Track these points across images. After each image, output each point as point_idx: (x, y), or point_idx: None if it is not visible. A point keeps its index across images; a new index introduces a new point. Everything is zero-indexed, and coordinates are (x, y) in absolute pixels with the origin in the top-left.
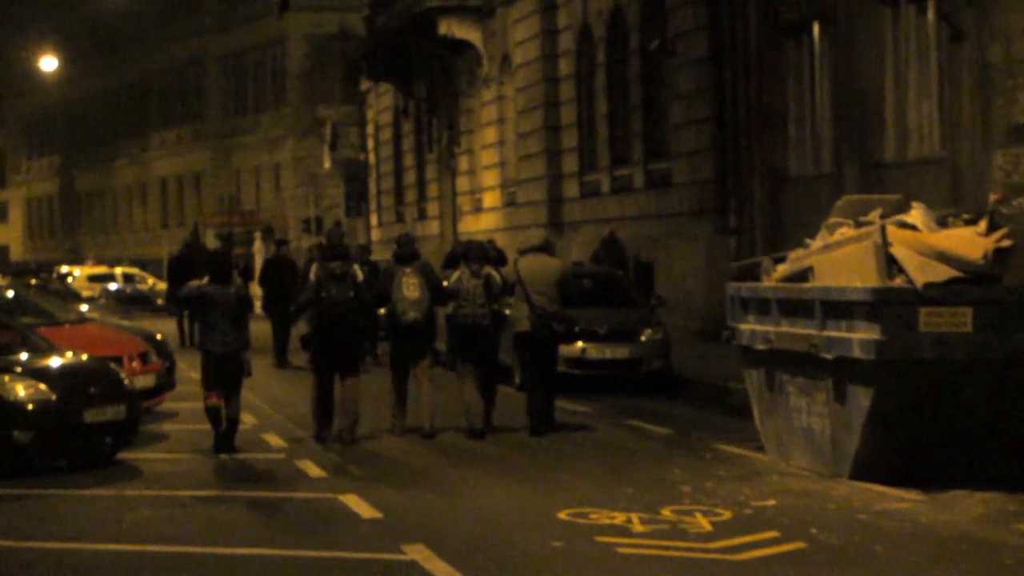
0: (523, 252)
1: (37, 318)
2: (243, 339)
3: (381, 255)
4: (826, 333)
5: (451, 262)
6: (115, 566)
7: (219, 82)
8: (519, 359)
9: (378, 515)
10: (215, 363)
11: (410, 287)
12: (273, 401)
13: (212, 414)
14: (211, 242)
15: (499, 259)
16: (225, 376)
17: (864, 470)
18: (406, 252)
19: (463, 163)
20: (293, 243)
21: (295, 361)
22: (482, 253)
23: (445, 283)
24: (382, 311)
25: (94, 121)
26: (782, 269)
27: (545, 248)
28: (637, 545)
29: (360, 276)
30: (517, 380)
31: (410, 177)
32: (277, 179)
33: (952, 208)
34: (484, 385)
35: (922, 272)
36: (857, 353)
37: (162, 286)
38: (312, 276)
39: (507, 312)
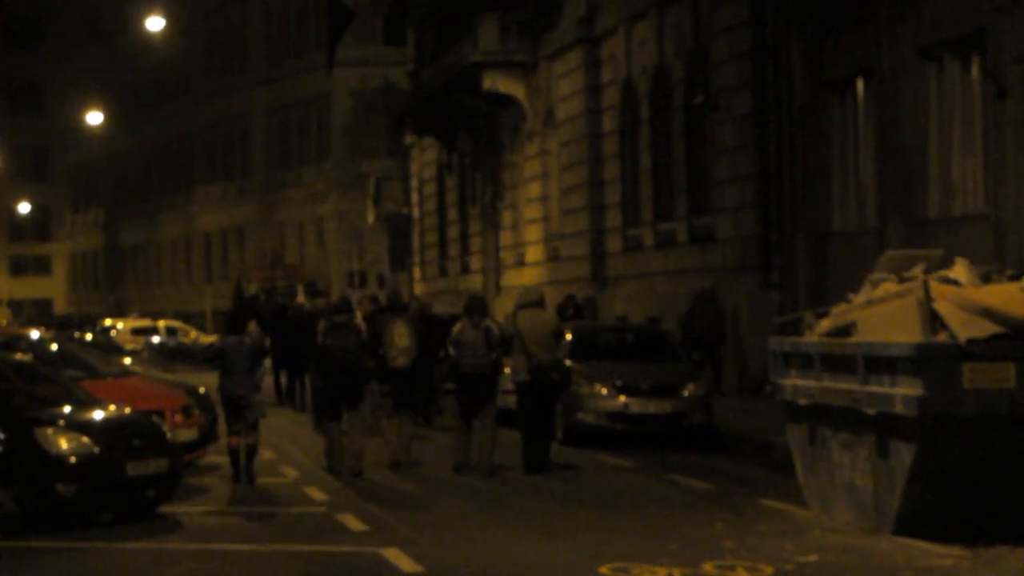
0: (521, 307)
1: (80, 371)
2: (253, 384)
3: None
4: (869, 388)
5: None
6: None
7: (263, 136)
8: (519, 406)
9: (419, 569)
10: (233, 405)
11: (401, 335)
12: (315, 455)
13: (233, 454)
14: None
15: (578, 312)
16: (242, 415)
17: (907, 526)
18: (397, 304)
19: (506, 217)
20: (335, 297)
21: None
22: (482, 307)
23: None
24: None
25: (139, 175)
26: (825, 324)
27: (540, 303)
28: None
29: (363, 327)
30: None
31: (453, 231)
32: (321, 233)
33: (996, 264)
34: (485, 428)
35: (965, 328)
36: (900, 409)
37: (206, 339)
38: (320, 330)
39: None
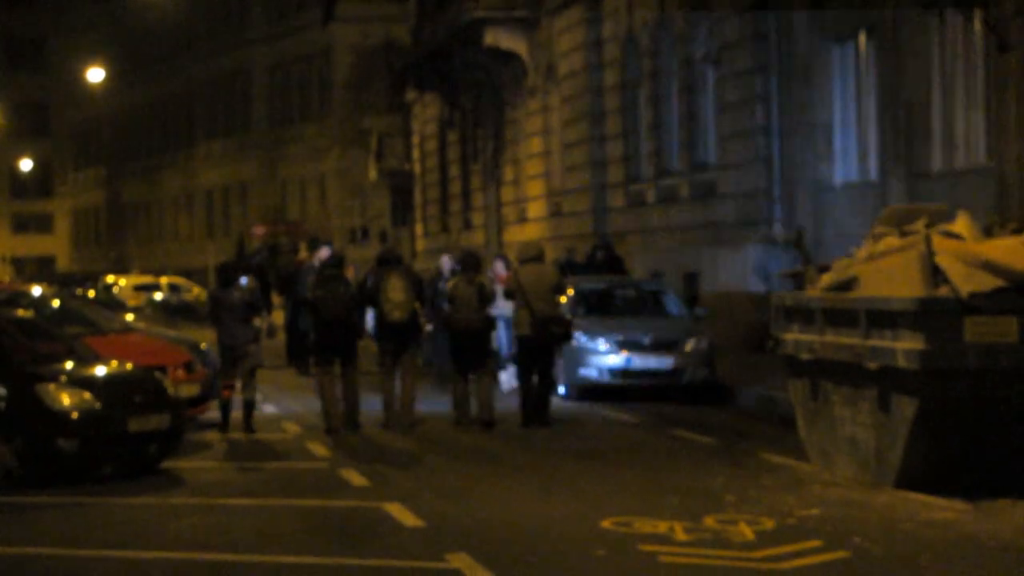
0: (522, 262)
1: (83, 327)
2: (248, 334)
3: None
4: (871, 343)
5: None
6: (163, 573)
7: (265, 93)
8: (519, 359)
9: (421, 523)
10: (228, 354)
11: (395, 289)
12: (317, 411)
13: (223, 407)
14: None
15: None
16: (237, 365)
17: (908, 479)
18: (391, 258)
19: (508, 173)
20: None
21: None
22: (475, 263)
23: (485, 287)
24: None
25: (140, 132)
26: (827, 279)
27: (541, 258)
28: (680, 554)
29: (352, 281)
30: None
31: (455, 187)
32: (323, 189)
33: (998, 218)
34: (481, 382)
35: (967, 282)
36: (901, 363)
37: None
38: (310, 284)
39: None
